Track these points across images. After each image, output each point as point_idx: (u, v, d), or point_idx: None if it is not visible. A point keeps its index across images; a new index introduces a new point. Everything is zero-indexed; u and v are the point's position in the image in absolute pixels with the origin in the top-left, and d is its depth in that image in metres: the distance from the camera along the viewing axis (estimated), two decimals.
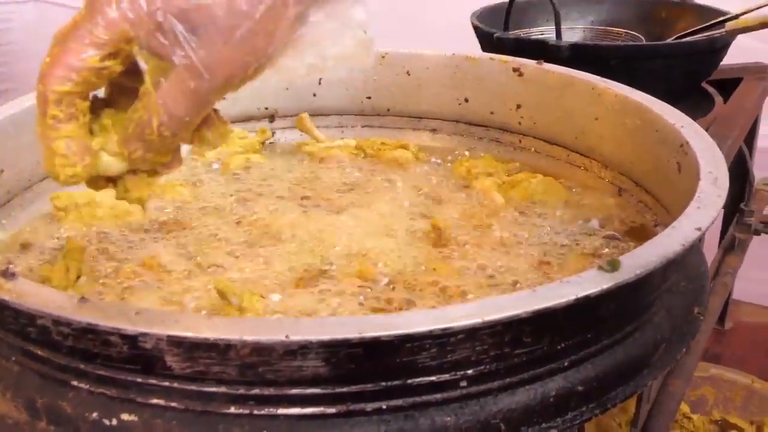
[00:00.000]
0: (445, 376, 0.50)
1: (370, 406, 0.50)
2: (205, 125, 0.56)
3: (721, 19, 1.24)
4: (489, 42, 1.23)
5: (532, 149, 0.95)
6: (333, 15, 0.53)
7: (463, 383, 0.51)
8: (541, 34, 1.35)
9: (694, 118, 0.77)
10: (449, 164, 0.94)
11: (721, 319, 1.60)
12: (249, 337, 0.46)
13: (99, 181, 0.57)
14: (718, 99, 1.25)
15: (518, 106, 0.95)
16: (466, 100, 0.98)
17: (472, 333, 0.49)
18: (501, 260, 0.72)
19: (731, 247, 1.31)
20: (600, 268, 0.52)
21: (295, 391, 0.49)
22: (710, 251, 1.04)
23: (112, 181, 0.58)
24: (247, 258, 0.72)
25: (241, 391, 0.49)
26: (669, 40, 1.30)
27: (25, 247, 0.76)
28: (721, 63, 1.27)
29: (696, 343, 0.70)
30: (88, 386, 0.52)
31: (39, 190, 0.83)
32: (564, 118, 0.90)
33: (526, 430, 0.52)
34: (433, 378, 0.50)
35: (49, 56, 0.52)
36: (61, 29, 0.52)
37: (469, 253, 0.73)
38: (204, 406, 0.50)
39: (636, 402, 0.82)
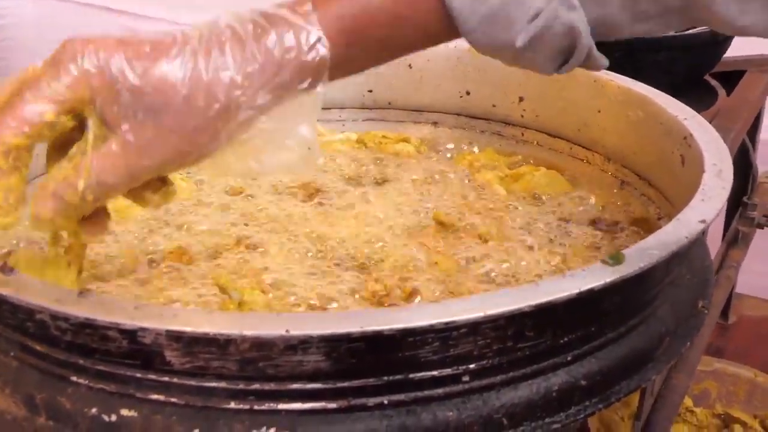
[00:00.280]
0: (448, 371, 0.50)
1: (371, 401, 0.49)
2: (147, 187, 0.56)
3: None
4: None
5: (535, 142, 0.94)
6: (281, 127, 0.54)
7: (466, 378, 0.50)
8: None
9: (697, 111, 0.76)
10: (451, 157, 0.93)
11: (724, 312, 1.60)
12: (249, 332, 0.46)
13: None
14: (722, 91, 1.24)
15: (520, 99, 0.94)
16: (468, 93, 0.98)
17: (474, 327, 0.48)
18: (503, 254, 0.71)
19: (734, 240, 1.30)
20: (603, 261, 0.52)
21: (295, 386, 0.48)
22: (713, 244, 1.04)
23: None
24: (248, 252, 0.72)
25: (242, 386, 0.49)
26: (672, 33, 1.29)
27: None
28: (725, 55, 1.26)
29: (699, 337, 0.70)
30: (87, 382, 0.51)
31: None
32: (567, 111, 0.90)
33: (529, 425, 0.52)
34: (435, 372, 0.50)
35: (3, 104, 0.51)
36: (18, 77, 0.52)
37: (471, 247, 0.73)
38: (204, 402, 0.49)
39: (639, 396, 0.82)
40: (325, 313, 0.61)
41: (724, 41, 1.22)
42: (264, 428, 0.49)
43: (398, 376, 0.49)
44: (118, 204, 0.77)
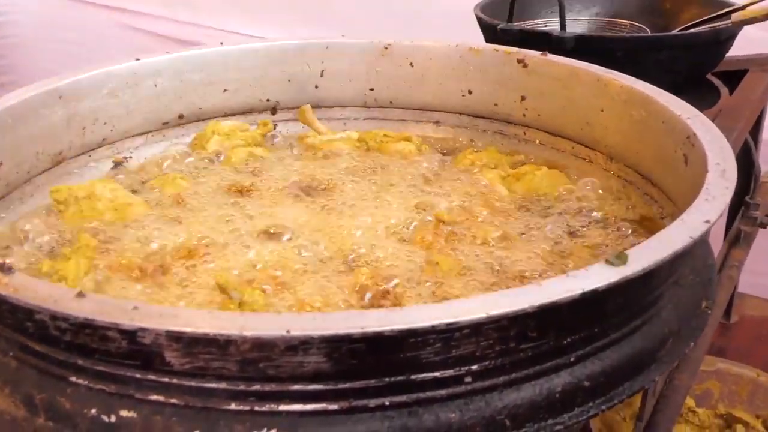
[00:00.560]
0: (450, 372, 0.49)
1: (373, 402, 0.49)
2: None
3: (727, 10, 1.23)
4: (493, 34, 1.22)
5: (537, 141, 0.94)
6: None
7: (468, 379, 0.50)
8: (545, 26, 1.34)
9: (700, 110, 0.76)
10: (453, 157, 0.93)
11: (727, 312, 1.60)
12: (249, 333, 0.45)
13: None
14: (724, 91, 1.24)
15: (522, 98, 0.94)
16: (470, 92, 0.97)
17: (476, 328, 0.48)
18: (505, 253, 0.71)
19: (737, 239, 1.30)
20: (607, 261, 0.51)
21: (296, 387, 0.48)
22: (715, 244, 1.04)
23: None
24: (249, 252, 0.72)
25: (242, 387, 0.48)
26: (674, 32, 1.29)
27: (23, 240, 0.75)
28: (727, 54, 1.25)
29: (702, 337, 0.69)
30: (86, 382, 0.51)
31: (38, 183, 0.83)
32: (569, 110, 0.90)
33: (532, 426, 0.52)
34: (437, 374, 0.49)
35: None
36: None
37: (473, 247, 0.72)
38: (204, 403, 0.49)
39: (641, 396, 0.82)
40: (326, 313, 0.60)
41: (727, 40, 1.22)
42: (265, 429, 0.48)
43: (400, 377, 0.49)
44: (118, 203, 0.78)
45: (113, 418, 0.50)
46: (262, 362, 0.47)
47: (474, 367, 0.50)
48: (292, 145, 0.96)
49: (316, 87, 1.00)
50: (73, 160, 0.87)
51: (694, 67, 1.21)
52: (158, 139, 0.95)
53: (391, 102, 1.01)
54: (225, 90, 0.97)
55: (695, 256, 0.68)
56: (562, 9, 1.15)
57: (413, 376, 0.49)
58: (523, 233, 0.75)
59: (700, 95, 1.22)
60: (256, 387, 0.48)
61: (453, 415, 0.50)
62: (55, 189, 0.79)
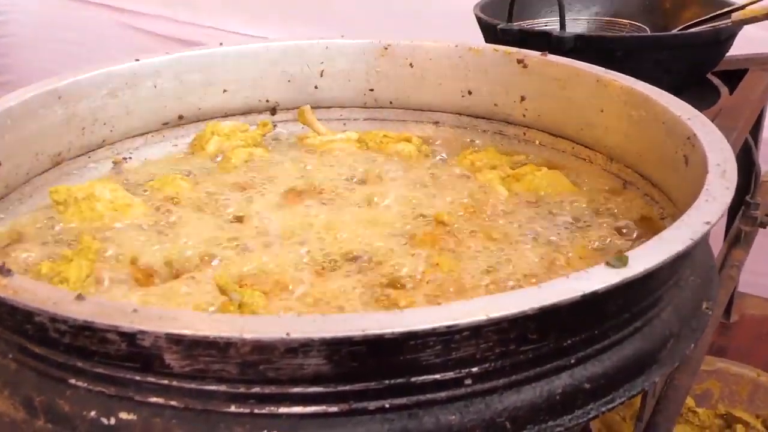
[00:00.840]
0: (450, 374, 0.49)
1: (373, 405, 0.49)
2: None
3: (727, 9, 1.23)
4: (492, 34, 1.21)
5: (537, 142, 0.94)
6: None
7: (468, 381, 0.50)
8: (545, 26, 1.34)
9: (700, 110, 0.76)
10: (453, 157, 0.93)
11: (727, 312, 1.60)
12: (249, 335, 0.45)
13: None
14: (724, 90, 1.24)
15: (522, 98, 0.94)
16: (470, 92, 0.97)
17: (476, 330, 0.48)
18: (505, 255, 0.71)
19: (737, 239, 1.30)
20: (607, 263, 0.51)
21: (296, 389, 0.48)
22: (715, 244, 1.03)
23: None
24: (249, 253, 0.72)
25: (242, 389, 0.48)
26: (674, 31, 1.29)
27: (22, 241, 0.75)
28: (727, 54, 1.25)
29: (703, 337, 0.69)
30: (86, 384, 0.51)
31: (38, 184, 0.83)
32: (569, 110, 0.89)
33: (532, 428, 0.51)
34: (437, 376, 0.49)
35: None
36: None
37: (473, 248, 0.72)
38: (204, 405, 0.49)
39: (641, 396, 0.82)
40: (327, 315, 0.60)
41: (727, 40, 1.22)
42: None
43: (400, 380, 0.49)
44: (118, 203, 0.77)
45: (113, 421, 0.50)
46: (262, 365, 0.47)
47: (474, 370, 0.50)
48: (291, 146, 0.96)
49: (316, 87, 1.00)
50: (73, 161, 0.87)
51: (694, 66, 1.21)
52: (158, 139, 0.95)
53: (390, 102, 1.01)
54: (225, 90, 0.97)
55: (695, 257, 0.67)
56: (561, 9, 1.15)
57: (413, 379, 0.49)
58: (523, 234, 0.75)
59: (700, 95, 1.22)
60: (256, 389, 0.48)
61: (453, 417, 0.50)
62: (54, 190, 0.79)
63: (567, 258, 0.70)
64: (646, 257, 0.52)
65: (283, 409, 0.49)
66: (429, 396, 0.50)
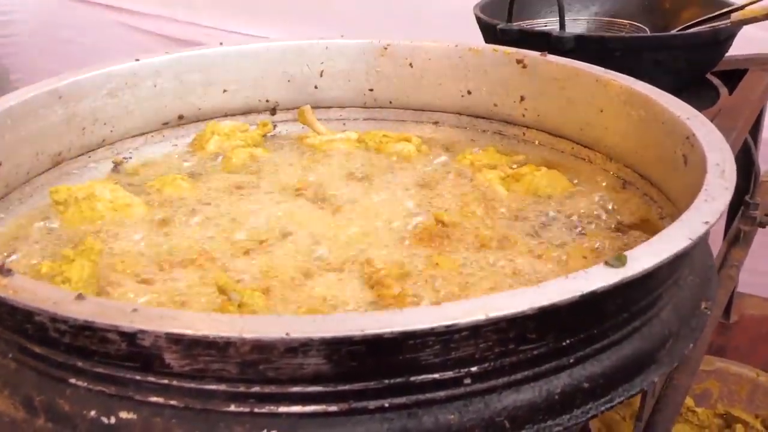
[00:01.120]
0: (449, 374, 0.49)
1: (372, 404, 0.49)
2: None
3: (726, 9, 1.23)
4: (492, 34, 1.22)
5: (536, 141, 0.94)
6: None
7: (467, 381, 0.50)
8: (545, 26, 1.34)
9: (699, 110, 0.76)
10: (452, 157, 0.93)
11: (726, 311, 1.60)
12: (249, 335, 0.45)
13: None
14: (723, 90, 1.24)
15: (522, 98, 0.94)
16: (469, 92, 0.97)
17: (475, 330, 0.48)
18: (504, 254, 0.71)
19: (736, 239, 1.30)
20: (606, 263, 0.51)
21: (296, 389, 0.48)
22: (714, 243, 1.04)
23: None
24: (247, 253, 0.72)
25: (242, 389, 0.48)
26: (673, 32, 1.29)
27: (22, 240, 0.75)
28: (727, 54, 1.25)
29: (702, 337, 0.69)
30: (86, 384, 0.51)
31: (38, 184, 0.83)
32: (568, 110, 0.90)
33: (531, 427, 0.52)
34: (436, 375, 0.49)
35: None
36: None
37: (473, 247, 0.72)
38: (204, 404, 0.49)
39: (641, 396, 0.82)
40: (326, 315, 0.60)
41: (726, 40, 1.22)
42: (264, 431, 0.48)
43: (399, 379, 0.49)
44: (118, 203, 0.78)
45: (113, 420, 0.50)
46: (261, 364, 0.47)
47: (473, 369, 0.50)
48: (291, 146, 0.96)
49: (316, 87, 1.00)
50: (73, 161, 0.87)
51: (694, 66, 1.21)
52: (158, 139, 0.95)
53: (390, 102, 1.01)
54: (225, 90, 0.97)
55: (694, 257, 0.68)
56: (561, 9, 1.15)
57: (412, 378, 0.49)
58: (522, 234, 0.75)
59: (700, 95, 1.22)
60: (256, 389, 0.48)
61: (452, 416, 0.50)
62: (54, 189, 0.79)
63: (566, 258, 0.71)
64: (644, 257, 0.52)
65: (282, 409, 0.49)
66: (428, 395, 0.50)
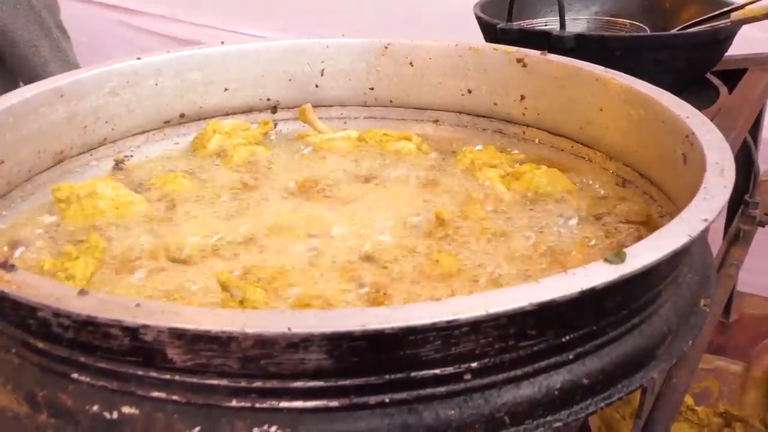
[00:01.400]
0: (449, 369, 0.50)
1: (373, 400, 0.49)
2: None
3: (726, 9, 1.23)
4: (492, 33, 1.22)
5: (536, 140, 0.94)
6: None
7: (467, 376, 0.50)
8: (545, 25, 1.34)
9: (699, 109, 0.76)
10: (452, 156, 0.93)
11: (726, 311, 1.60)
12: (250, 330, 0.46)
13: None
14: (723, 90, 1.24)
15: (522, 97, 0.94)
16: (470, 91, 0.97)
17: (476, 325, 0.48)
18: (505, 252, 0.71)
19: (736, 238, 1.30)
20: (606, 260, 0.51)
21: (297, 384, 0.48)
22: (714, 243, 1.04)
23: None
24: (249, 250, 0.72)
25: (243, 383, 0.49)
26: (673, 31, 1.29)
27: (25, 238, 0.75)
28: (726, 53, 1.26)
29: (701, 335, 0.70)
30: (88, 379, 0.51)
31: (40, 182, 0.83)
32: (568, 109, 0.90)
33: (531, 423, 0.52)
34: (436, 371, 0.49)
35: None
36: None
37: (473, 245, 0.73)
38: (205, 399, 0.49)
39: (640, 394, 0.82)
40: (327, 311, 0.60)
41: (726, 39, 1.22)
42: (266, 426, 0.48)
43: (400, 375, 0.49)
44: (120, 201, 0.78)
45: (115, 415, 0.50)
46: (263, 359, 0.47)
47: (473, 365, 0.50)
48: (292, 144, 0.97)
49: (317, 86, 1.00)
50: (75, 159, 0.88)
51: (694, 66, 1.21)
52: (159, 137, 0.95)
53: (390, 101, 1.01)
54: (226, 89, 0.98)
55: (694, 255, 0.68)
56: (561, 8, 1.15)
57: (413, 374, 0.49)
58: (522, 231, 0.75)
59: (700, 94, 1.22)
60: (258, 384, 0.48)
61: (452, 412, 0.50)
62: (56, 187, 0.79)
63: (566, 255, 0.71)
64: (644, 254, 0.52)
65: (284, 404, 0.49)
66: (429, 391, 0.50)
